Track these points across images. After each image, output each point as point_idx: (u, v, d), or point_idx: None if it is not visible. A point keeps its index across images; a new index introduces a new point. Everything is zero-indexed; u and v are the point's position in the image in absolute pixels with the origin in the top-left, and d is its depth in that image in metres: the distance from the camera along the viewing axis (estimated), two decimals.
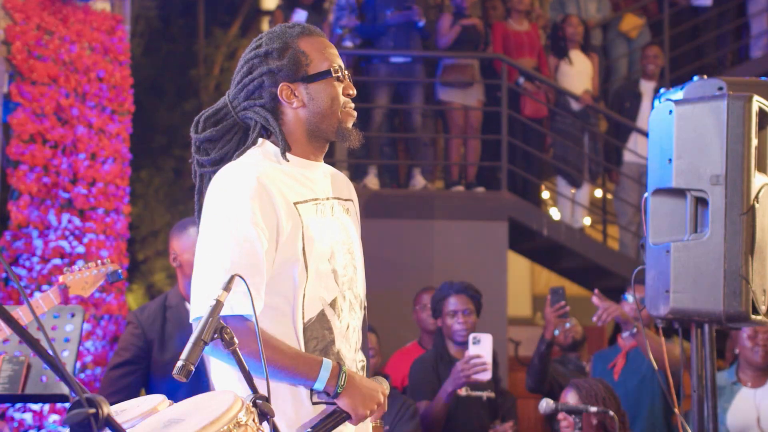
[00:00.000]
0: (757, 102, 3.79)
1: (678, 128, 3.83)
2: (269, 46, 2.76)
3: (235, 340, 2.56)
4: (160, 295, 4.57)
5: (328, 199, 2.83)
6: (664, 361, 4.12)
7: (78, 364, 5.74)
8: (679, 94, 4.02)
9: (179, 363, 2.45)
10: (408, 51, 8.12)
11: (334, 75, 2.75)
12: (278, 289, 2.70)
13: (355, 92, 2.82)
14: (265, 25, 12.93)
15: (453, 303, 5.16)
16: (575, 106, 8.59)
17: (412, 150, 8.56)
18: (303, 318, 2.70)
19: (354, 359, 2.80)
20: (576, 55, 8.72)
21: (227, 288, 2.57)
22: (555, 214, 9.03)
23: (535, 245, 8.60)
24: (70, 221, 5.71)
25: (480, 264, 7.66)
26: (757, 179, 3.79)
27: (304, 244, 2.71)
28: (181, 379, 2.45)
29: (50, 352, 1.80)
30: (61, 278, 3.84)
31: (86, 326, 5.80)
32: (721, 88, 3.91)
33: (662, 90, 4.23)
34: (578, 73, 8.66)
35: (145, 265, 11.79)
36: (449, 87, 8.42)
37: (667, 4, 9.63)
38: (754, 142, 3.78)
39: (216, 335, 2.54)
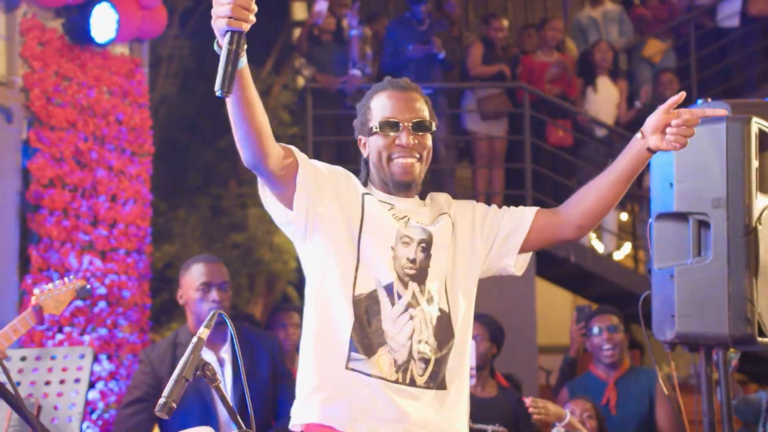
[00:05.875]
0: (757, 124, 3.77)
1: (678, 152, 3.78)
2: (359, 103, 3.14)
3: (218, 377, 2.61)
4: (172, 333, 4.63)
5: (405, 217, 3.04)
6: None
7: (102, 404, 5.80)
8: None
9: (161, 400, 2.51)
10: (429, 83, 8.19)
11: (375, 131, 3.01)
12: (331, 258, 2.94)
13: (409, 142, 2.99)
14: (299, 61, 13.05)
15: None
16: (599, 133, 8.60)
17: (436, 180, 8.59)
18: (354, 292, 2.92)
19: (406, 345, 2.93)
20: (603, 81, 8.74)
21: (208, 325, 2.63)
22: (597, 244, 8.97)
23: (565, 272, 8.56)
24: (91, 263, 5.78)
25: (507, 293, 7.63)
26: (760, 201, 3.76)
27: (362, 223, 2.97)
28: (162, 416, 2.50)
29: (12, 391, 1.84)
30: (33, 299, 3.90)
31: (109, 366, 5.86)
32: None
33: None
34: (604, 100, 8.66)
35: None
36: (481, 118, 8.49)
37: (693, 27, 9.59)
38: (755, 163, 3.75)
39: (198, 372, 2.59)
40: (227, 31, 2.46)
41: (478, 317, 5.11)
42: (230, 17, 2.45)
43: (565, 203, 3.13)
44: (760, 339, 3.72)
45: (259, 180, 2.89)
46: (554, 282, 9.26)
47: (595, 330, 5.31)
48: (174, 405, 2.51)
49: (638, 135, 2.99)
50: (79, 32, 5.86)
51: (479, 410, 4.96)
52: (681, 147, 2.93)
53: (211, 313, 2.66)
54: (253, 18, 2.48)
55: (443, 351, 2.98)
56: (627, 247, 9.69)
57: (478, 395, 5.11)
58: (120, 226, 6.06)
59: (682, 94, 2.94)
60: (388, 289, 2.94)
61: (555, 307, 11.11)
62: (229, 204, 12.76)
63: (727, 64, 9.71)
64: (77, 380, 4.00)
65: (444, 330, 3.00)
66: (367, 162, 3.10)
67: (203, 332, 2.62)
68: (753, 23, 9.63)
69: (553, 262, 8.27)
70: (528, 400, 4.49)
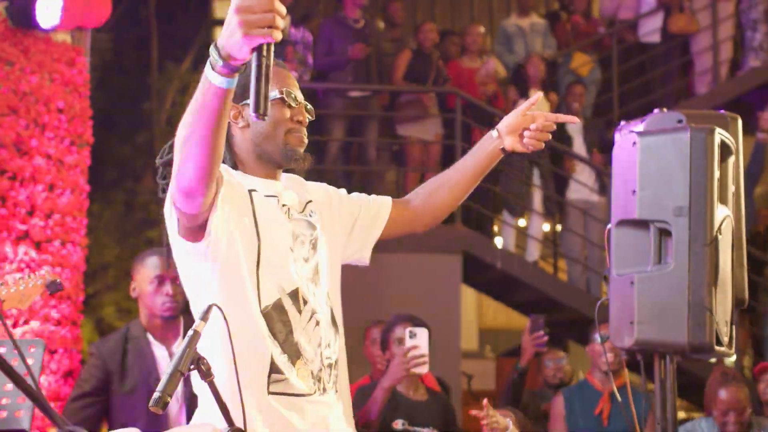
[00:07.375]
0: (719, 134, 3.84)
1: (641, 160, 3.85)
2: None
3: (213, 372, 2.53)
4: (123, 326, 4.55)
5: (284, 206, 2.84)
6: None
7: None
8: (639, 127, 4.06)
9: (156, 395, 2.41)
10: (365, 85, 8.17)
11: (278, 97, 2.77)
12: (233, 271, 2.69)
13: (306, 121, 2.84)
14: None
15: (399, 331, 4.95)
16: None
17: (367, 184, 8.58)
18: (260, 305, 2.70)
19: (317, 353, 2.78)
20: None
21: (205, 318, 2.55)
22: (509, 246, 9.04)
23: (488, 278, 8.62)
24: (26, 253, 5.61)
25: (433, 298, 7.66)
26: (719, 211, 3.83)
27: (257, 226, 2.73)
28: (157, 411, 2.40)
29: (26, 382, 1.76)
30: None
31: None
32: (680, 121, 3.93)
33: (622, 123, 4.25)
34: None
35: (95, 299, 11.64)
36: (406, 122, 8.49)
37: (616, 41, 9.78)
38: (717, 174, 3.82)
39: (193, 366, 2.51)
40: (262, 42, 2.14)
41: (412, 319, 5.06)
42: (273, 27, 2.13)
43: (413, 195, 3.14)
44: (717, 348, 3.79)
45: (175, 208, 2.57)
46: (479, 289, 9.33)
47: (598, 339, 5.29)
48: (169, 399, 2.43)
49: (494, 133, 3.07)
50: (23, 16, 5.67)
51: (413, 412, 4.98)
52: (535, 150, 3.07)
53: (207, 306, 2.58)
54: None
55: (338, 352, 2.87)
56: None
57: (412, 397, 5.10)
58: (56, 216, 5.89)
59: (539, 95, 3.11)
60: (293, 296, 2.75)
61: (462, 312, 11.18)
62: (144, 200, 12.58)
63: (647, 79, 9.94)
64: (27, 373, 3.86)
65: (335, 329, 2.88)
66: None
67: (200, 325, 2.53)
68: (673, 40, 9.89)
69: (478, 268, 8.32)
70: (481, 410, 4.46)
